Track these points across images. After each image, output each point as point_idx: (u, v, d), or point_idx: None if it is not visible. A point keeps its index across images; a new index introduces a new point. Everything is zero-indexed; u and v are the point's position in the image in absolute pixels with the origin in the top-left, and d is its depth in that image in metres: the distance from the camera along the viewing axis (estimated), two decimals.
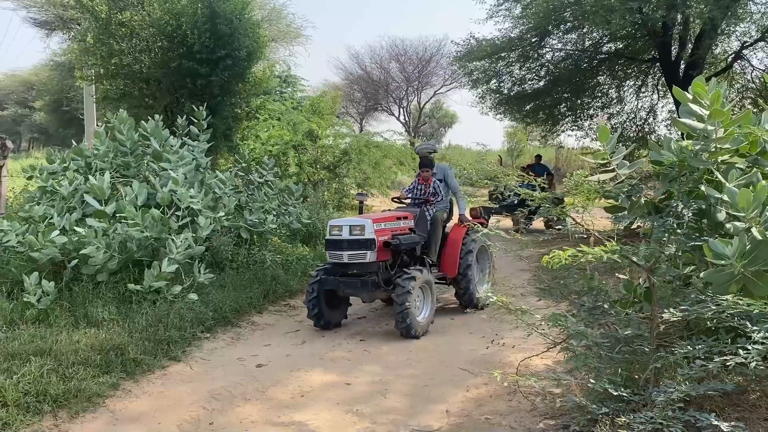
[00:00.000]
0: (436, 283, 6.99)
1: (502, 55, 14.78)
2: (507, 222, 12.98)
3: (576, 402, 3.67)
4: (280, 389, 4.87)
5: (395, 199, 7.73)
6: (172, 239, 6.55)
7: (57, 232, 6.45)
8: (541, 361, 5.06)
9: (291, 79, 20.64)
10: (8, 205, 8.93)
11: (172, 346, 5.58)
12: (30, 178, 7.91)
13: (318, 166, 15.26)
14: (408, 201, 7.46)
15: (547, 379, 4.11)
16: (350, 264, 6.42)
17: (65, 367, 4.72)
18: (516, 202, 11.90)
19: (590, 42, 14.79)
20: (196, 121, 8.88)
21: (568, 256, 3.50)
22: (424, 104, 43.10)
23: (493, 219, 13.86)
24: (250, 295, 7.18)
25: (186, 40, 10.43)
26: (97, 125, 12.24)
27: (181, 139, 8.70)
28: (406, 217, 6.93)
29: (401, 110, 42.38)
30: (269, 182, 9.60)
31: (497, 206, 13.45)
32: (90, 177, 7.13)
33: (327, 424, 4.20)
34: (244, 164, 9.75)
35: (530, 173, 12.75)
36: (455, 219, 7.85)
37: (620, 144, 4.44)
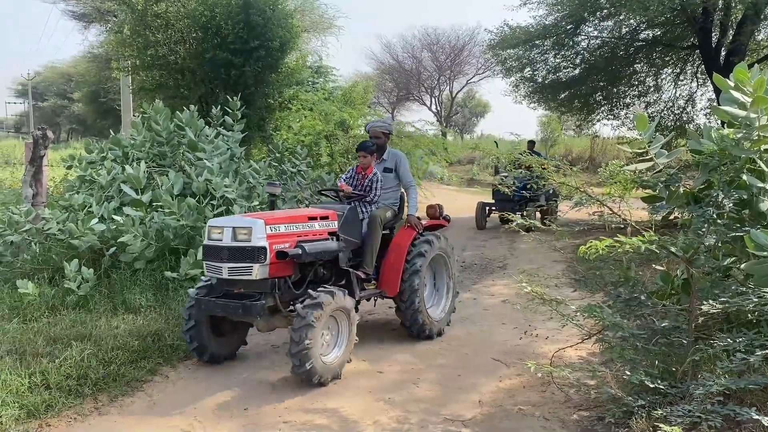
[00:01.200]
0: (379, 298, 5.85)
1: (537, 42, 14.59)
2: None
3: (611, 393, 3.63)
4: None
5: (324, 192, 6.28)
6: None
7: (96, 220, 6.60)
8: (575, 352, 5.01)
9: (323, 70, 20.68)
10: (49, 194, 9.16)
11: None
12: (69, 167, 8.10)
13: (350, 156, 15.27)
14: (348, 194, 5.79)
15: (581, 370, 4.08)
16: (233, 281, 4.75)
17: (105, 352, 4.85)
18: (518, 196, 11.24)
19: (627, 29, 14.49)
20: (230, 111, 8.98)
21: (605, 246, 3.45)
22: (456, 93, 42.88)
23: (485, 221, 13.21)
24: None
25: (220, 31, 10.54)
26: (133, 116, 12.45)
27: (216, 129, 8.81)
28: (325, 217, 5.20)
29: (433, 100, 42.25)
30: (302, 172, 9.67)
31: (495, 201, 12.91)
32: (127, 167, 7.27)
33: (359, 412, 4.22)
34: (277, 154, 9.84)
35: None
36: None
37: (658, 133, 4.35)
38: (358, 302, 5.29)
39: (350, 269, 5.36)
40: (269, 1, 10.81)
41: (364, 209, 5.78)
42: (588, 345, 4.72)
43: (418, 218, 5.99)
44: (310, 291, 4.63)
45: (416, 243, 5.69)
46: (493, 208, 13.28)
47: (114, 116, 30.26)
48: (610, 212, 4.29)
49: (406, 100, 44.07)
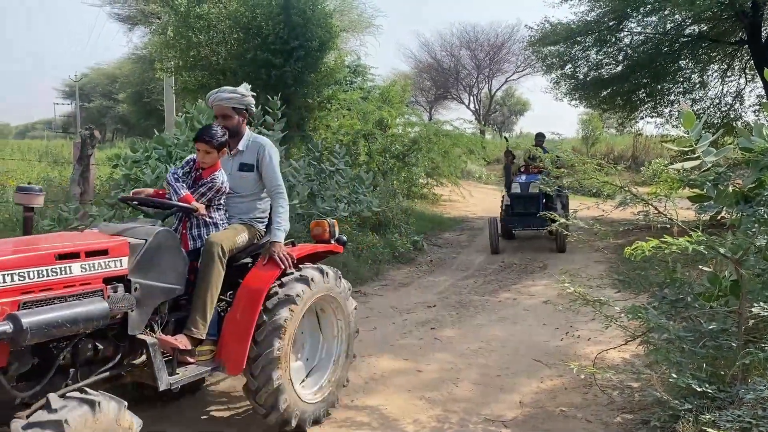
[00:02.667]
0: None
1: (578, 39, 14.38)
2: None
3: (657, 397, 3.55)
4: (351, 374, 4.91)
5: (126, 201, 4.12)
6: None
7: (141, 217, 6.74)
8: (618, 354, 4.93)
9: (361, 69, 20.75)
10: (96, 192, 9.40)
11: None
12: (115, 166, 8.30)
13: (387, 155, 15.30)
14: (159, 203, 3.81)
15: (625, 372, 4.01)
16: None
17: None
18: (538, 212, 9.66)
19: (672, 24, 14.17)
20: (270, 110, 9.07)
21: (652, 247, 3.37)
22: (495, 91, 42.57)
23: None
24: None
25: (261, 31, 10.66)
26: (176, 116, 12.70)
27: (257, 128, 8.91)
28: (100, 252, 3.07)
29: (471, 98, 42.01)
30: (340, 171, 9.71)
31: (512, 218, 10.82)
32: (170, 165, 7.41)
33: (399, 410, 4.23)
34: (316, 153, 9.90)
35: (530, 161, 11.19)
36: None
37: (704, 131, 4.23)
38: (174, 389, 3.36)
39: (151, 337, 3.23)
40: (309, 1, 10.89)
41: (197, 231, 3.77)
42: (631, 347, 4.63)
43: (291, 243, 4.11)
44: (50, 396, 2.56)
45: (284, 283, 3.71)
46: (513, 225, 11.09)
47: (157, 116, 30.93)
48: (656, 212, 4.20)
49: (444, 98, 43.90)
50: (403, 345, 5.69)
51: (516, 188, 10.75)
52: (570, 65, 15.28)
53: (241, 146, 4.08)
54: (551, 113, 61.34)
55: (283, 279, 3.75)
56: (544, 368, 5.02)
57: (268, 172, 4.01)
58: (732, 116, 15.01)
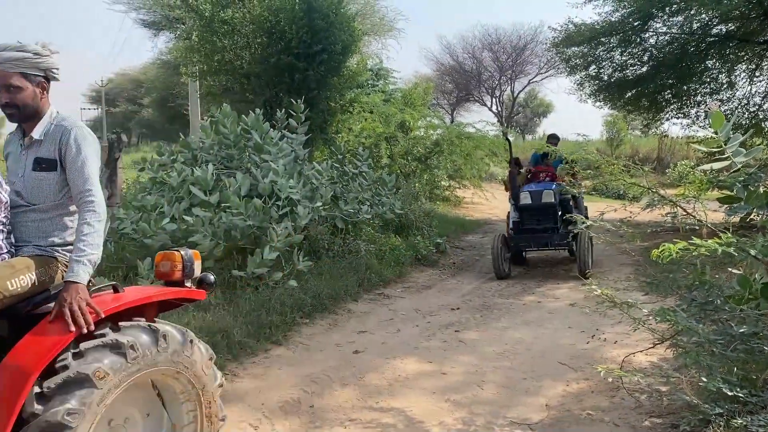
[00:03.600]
0: None
1: (602, 39, 14.22)
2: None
3: (687, 400, 3.50)
4: (376, 376, 4.95)
5: None
6: (273, 228, 6.79)
7: (167, 220, 6.84)
8: (646, 357, 4.86)
9: (383, 72, 20.80)
10: (123, 195, 9.55)
11: (274, 330, 5.78)
12: (142, 170, 8.42)
13: (410, 158, 15.31)
14: None
15: (653, 375, 3.96)
16: None
17: None
18: (558, 228, 8.32)
19: (698, 24, 13.95)
20: (294, 114, 9.14)
21: (680, 249, 3.33)
22: (518, 93, 42.37)
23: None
24: (345, 283, 7.32)
25: (284, 35, 10.74)
26: (201, 119, 12.84)
27: (281, 131, 8.98)
28: None
29: (494, 100, 41.84)
30: (363, 173, 9.75)
31: (522, 236, 8.83)
32: (196, 169, 7.50)
33: (424, 412, 4.22)
34: (339, 156, 9.96)
35: (541, 161, 9.67)
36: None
37: (733, 131, 4.16)
38: None
39: None
40: (332, 5, 10.95)
41: None
42: (659, 350, 4.57)
43: (113, 286, 2.78)
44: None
45: (82, 352, 2.42)
46: (524, 245, 9.05)
47: (182, 121, 31.28)
48: (684, 213, 4.14)
49: (466, 101, 43.80)
50: (427, 347, 5.68)
51: (526, 198, 8.70)
52: (594, 66, 15.13)
53: (36, 134, 2.71)
54: (575, 115, 60.85)
55: (83, 345, 2.43)
56: (570, 371, 4.97)
57: (72, 171, 2.67)
58: (761, 116, 14.74)
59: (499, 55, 39.11)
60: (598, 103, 16.52)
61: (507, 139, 11.05)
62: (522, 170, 9.74)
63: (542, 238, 8.74)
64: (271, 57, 10.97)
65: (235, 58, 11.18)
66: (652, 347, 4.37)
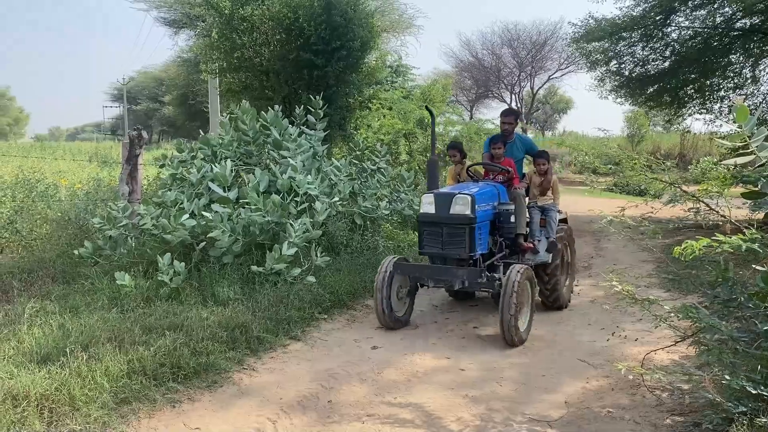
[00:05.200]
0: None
1: (623, 34, 14.09)
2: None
3: (709, 399, 3.45)
4: (394, 371, 4.94)
5: None
6: (291, 224, 6.81)
7: (187, 216, 6.88)
8: (667, 355, 4.81)
9: (401, 69, 20.76)
10: (143, 192, 9.63)
11: (292, 325, 5.81)
12: (162, 166, 8.48)
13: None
14: None
15: (675, 373, 3.90)
16: None
17: (195, 342, 5.03)
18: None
19: (722, 18, 13.74)
20: (312, 110, 9.15)
21: (703, 246, 3.28)
22: (537, 90, 42.08)
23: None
24: (363, 279, 7.32)
25: (303, 32, 10.75)
26: (221, 116, 12.92)
27: (299, 128, 9.00)
28: None
29: (513, 96, 41.59)
30: (382, 170, 9.73)
31: (417, 265, 6.20)
32: (215, 165, 7.54)
33: (442, 407, 4.21)
34: (357, 152, 9.95)
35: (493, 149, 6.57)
36: None
37: (757, 126, 4.08)
38: None
39: None
40: (350, 2, 10.94)
41: None
42: (681, 348, 4.51)
43: None
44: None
45: None
46: (417, 275, 6.02)
47: (201, 118, 31.52)
48: (707, 209, 4.08)
49: (485, 97, 43.63)
50: (446, 344, 5.66)
51: (427, 205, 5.92)
52: (615, 62, 14.99)
53: None
54: (595, 111, 60.25)
55: None
56: (590, 368, 4.93)
57: None
58: None
59: (518, 51, 38.88)
60: (619, 99, 16.38)
61: (428, 110, 7.44)
62: (466, 160, 7.19)
63: (444, 272, 5.80)
64: (290, 54, 11.00)
65: (254, 55, 11.22)
66: (674, 345, 4.31)
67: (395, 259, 6.07)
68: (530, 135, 35.96)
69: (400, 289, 6.13)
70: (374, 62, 12.66)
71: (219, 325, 5.41)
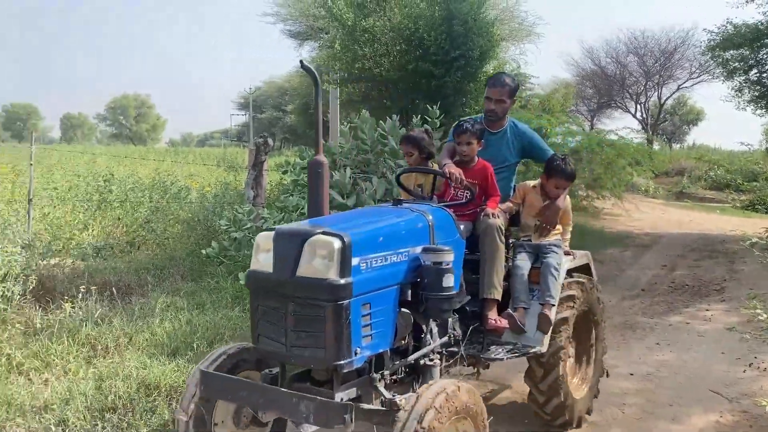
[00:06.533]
0: None
1: (766, 41, 13.02)
2: None
3: None
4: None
5: None
6: None
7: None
8: None
9: (520, 78, 20.37)
10: (267, 196, 10.06)
11: None
12: (285, 172, 8.82)
13: None
14: None
15: None
16: None
17: None
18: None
19: None
20: (429, 120, 9.16)
21: None
22: (665, 100, 39.80)
23: None
24: None
25: (423, 42, 10.83)
26: (341, 125, 13.29)
27: None
28: None
29: (638, 107, 39.63)
30: None
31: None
32: (334, 173, 7.73)
33: None
34: None
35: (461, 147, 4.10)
36: None
37: None
38: None
39: None
40: (471, 11, 10.88)
41: None
42: None
43: None
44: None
45: None
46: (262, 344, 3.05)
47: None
48: None
49: (607, 107, 41.82)
50: None
51: (264, 254, 3.07)
52: (756, 70, 13.90)
53: None
54: (729, 122, 56.25)
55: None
56: (724, 401, 4.55)
57: None
58: None
59: (645, 60, 36.96)
60: (759, 111, 15.16)
61: (305, 68, 3.84)
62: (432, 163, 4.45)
63: (275, 400, 2.81)
64: (409, 64, 11.09)
65: (374, 66, 11.42)
66: None
67: (213, 361, 3.07)
68: (656, 147, 34.08)
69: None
70: (492, 71, 12.50)
71: None
